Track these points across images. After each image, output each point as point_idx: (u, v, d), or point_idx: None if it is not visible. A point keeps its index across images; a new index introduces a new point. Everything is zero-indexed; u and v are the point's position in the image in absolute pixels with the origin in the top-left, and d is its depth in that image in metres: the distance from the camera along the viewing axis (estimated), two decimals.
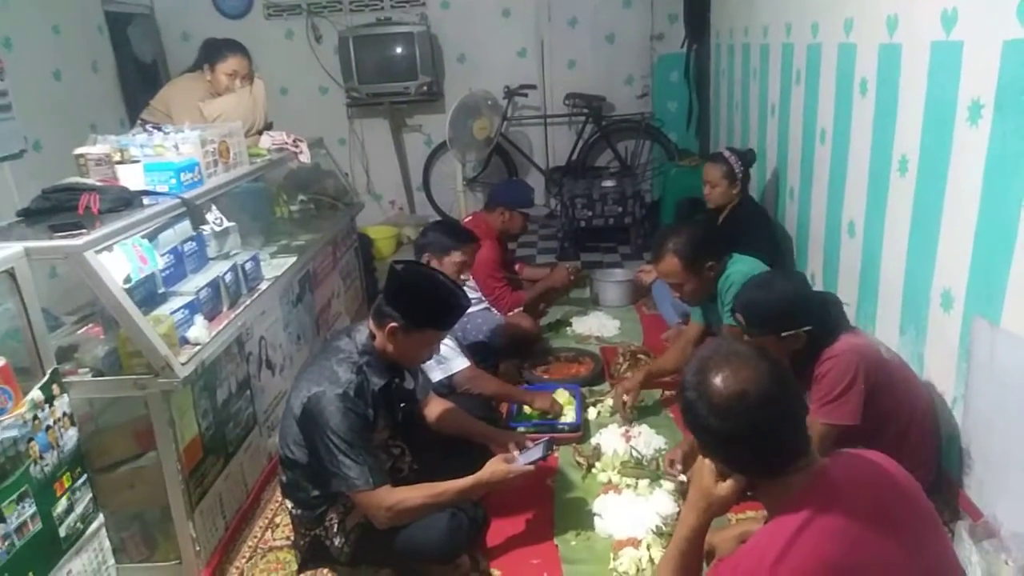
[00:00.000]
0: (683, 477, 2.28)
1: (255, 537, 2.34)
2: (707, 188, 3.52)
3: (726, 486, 1.37)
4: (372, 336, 2.07)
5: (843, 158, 2.91)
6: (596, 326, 3.72)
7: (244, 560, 2.23)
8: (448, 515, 2.01)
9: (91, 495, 1.88)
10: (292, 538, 2.23)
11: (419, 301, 2.01)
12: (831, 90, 2.99)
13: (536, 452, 2.13)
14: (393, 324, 1.99)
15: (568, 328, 3.74)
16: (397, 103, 5.83)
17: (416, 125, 6.11)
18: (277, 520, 2.41)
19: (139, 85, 5.39)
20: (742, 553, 1.25)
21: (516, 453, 2.20)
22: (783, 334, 2.01)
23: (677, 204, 4.61)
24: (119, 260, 1.86)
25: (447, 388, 2.62)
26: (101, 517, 1.92)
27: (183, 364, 1.89)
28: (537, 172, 5.95)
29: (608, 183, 5.06)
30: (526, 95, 5.66)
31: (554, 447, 2.24)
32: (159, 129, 2.65)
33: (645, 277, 3.66)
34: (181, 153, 2.47)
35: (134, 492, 2.00)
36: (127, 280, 1.85)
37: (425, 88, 5.64)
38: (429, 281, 2.06)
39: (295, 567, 2.18)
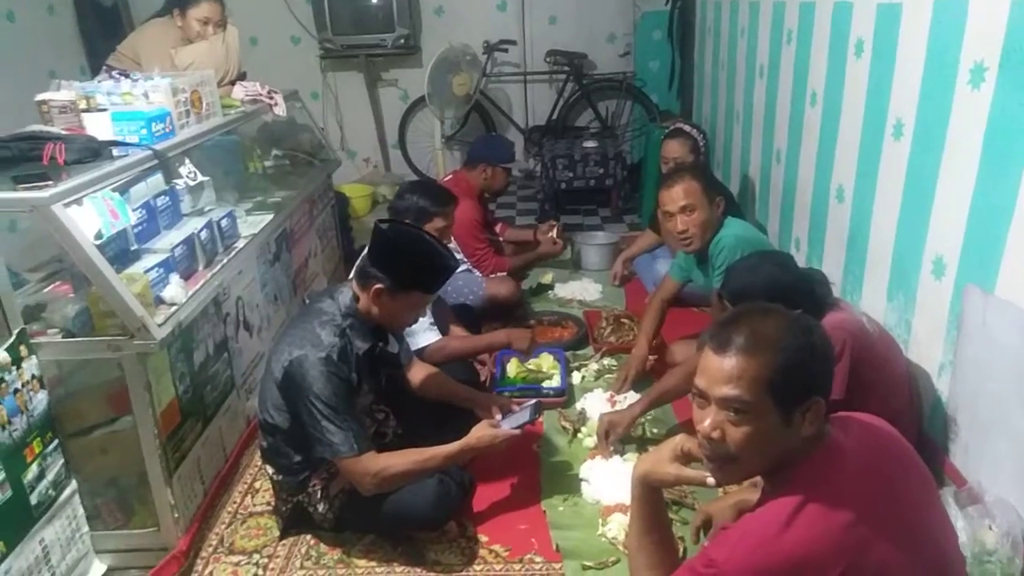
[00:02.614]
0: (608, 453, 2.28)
1: (234, 503, 2.28)
2: (671, 165, 3.37)
3: (675, 468, 1.40)
4: (355, 298, 2.00)
5: (834, 121, 2.86)
6: (578, 290, 3.68)
7: (224, 526, 2.18)
8: (436, 481, 1.98)
9: (63, 461, 1.81)
10: (273, 504, 2.18)
11: (405, 262, 1.94)
12: (824, 51, 2.93)
13: (523, 416, 2.10)
14: (378, 286, 1.92)
15: (550, 292, 3.69)
16: (373, 56, 5.64)
17: (392, 80, 5.93)
18: (257, 485, 2.35)
19: (99, 30, 5.13)
20: (751, 519, 1.23)
21: (500, 417, 2.17)
22: None
23: (659, 167, 4.54)
24: (89, 214, 1.75)
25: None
26: (74, 483, 1.85)
27: (160, 325, 1.80)
28: (516, 131, 5.83)
29: (590, 144, 4.97)
30: (506, 51, 5.52)
31: (541, 411, 2.20)
32: (126, 76, 2.51)
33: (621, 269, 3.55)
34: (151, 102, 2.33)
35: (108, 457, 1.93)
36: (98, 236, 1.75)
37: (402, 41, 5.46)
38: (416, 241, 1.99)
39: (276, 533, 2.13)
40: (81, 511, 1.87)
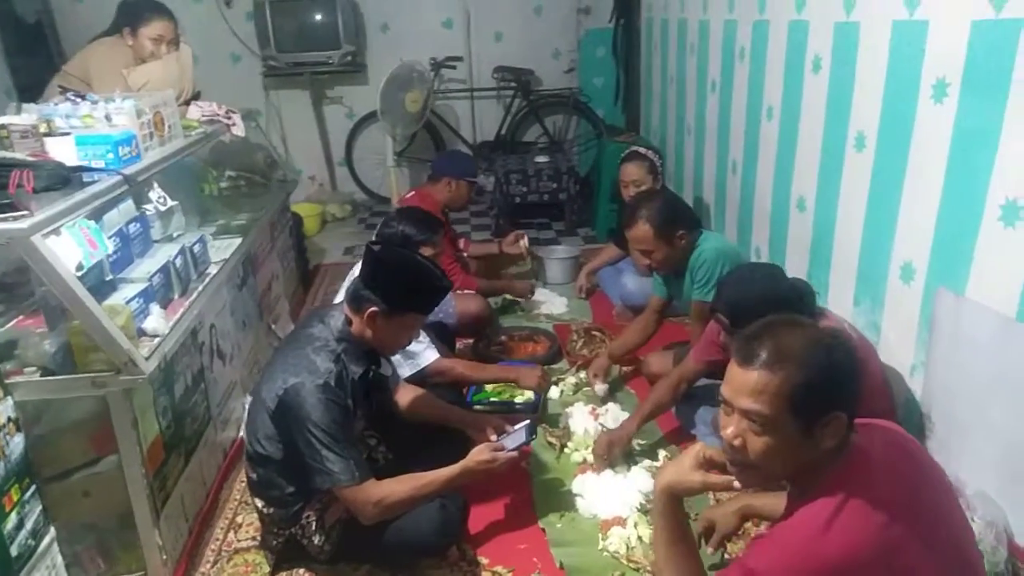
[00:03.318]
0: (604, 386, 2.56)
1: (217, 540, 2.18)
2: (630, 189, 3.45)
3: (700, 475, 1.42)
4: (348, 321, 1.96)
5: (792, 134, 2.97)
6: (544, 304, 3.69)
7: (209, 565, 2.08)
8: (438, 505, 1.94)
9: (41, 507, 1.69)
10: (260, 538, 2.09)
11: (400, 284, 1.91)
12: (780, 67, 3.04)
13: (520, 437, 2.08)
14: (373, 309, 1.89)
15: (517, 307, 3.69)
16: (318, 73, 5.55)
17: (337, 97, 5.84)
18: (239, 520, 2.26)
19: (22, 47, 4.89)
20: (786, 527, 1.24)
21: (495, 438, 2.14)
22: None
23: (613, 181, 4.61)
24: (68, 245, 1.65)
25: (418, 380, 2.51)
26: (52, 531, 1.73)
27: (147, 359, 1.71)
28: (465, 147, 5.82)
29: (542, 159, 5.01)
30: (454, 67, 5.52)
31: (536, 432, 2.19)
32: (82, 98, 2.39)
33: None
34: (114, 125, 2.23)
35: (89, 501, 1.81)
36: (79, 267, 1.65)
37: (348, 58, 5.39)
38: (410, 263, 1.96)
39: (267, 569, 2.05)
40: (60, 560, 1.75)
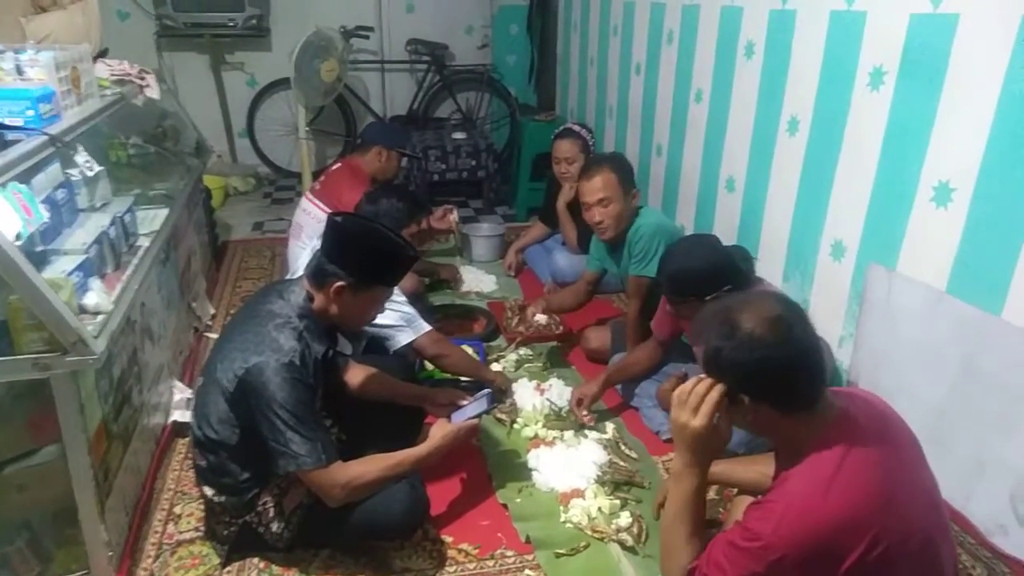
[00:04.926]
0: (588, 418, 2.46)
1: (156, 532, 2.03)
2: (563, 166, 3.46)
3: (723, 428, 1.41)
4: (309, 298, 1.86)
5: (723, 117, 3.08)
6: (473, 281, 3.66)
7: (151, 560, 1.93)
8: (407, 486, 1.89)
9: None
10: (207, 529, 1.97)
11: (367, 256, 1.83)
12: (710, 51, 3.14)
13: (480, 406, 2.05)
14: (340, 283, 1.80)
15: (445, 284, 3.64)
16: (219, 36, 5.20)
17: (238, 63, 5.50)
18: (176, 511, 2.11)
19: None
20: (786, 490, 1.29)
21: (456, 412, 2.11)
22: (707, 297, 2.09)
23: (533, 159, 4.63)
24: (4, 210, 1.46)
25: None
26: None
27: (95, 337, 1.56)
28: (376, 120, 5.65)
29: (460, 135, 4.95)
30: (367, 37, 5.33)
31: (497, 400, 2.16)
32: None
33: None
34: (27, 79, 2.00)
35: (23, 496, 1.63)
36: (17, 236, 1.47)
37: (253, 21, 5.09)
38: (376, 235, 1.87)
39: (216, 560, 1.93)
40: None
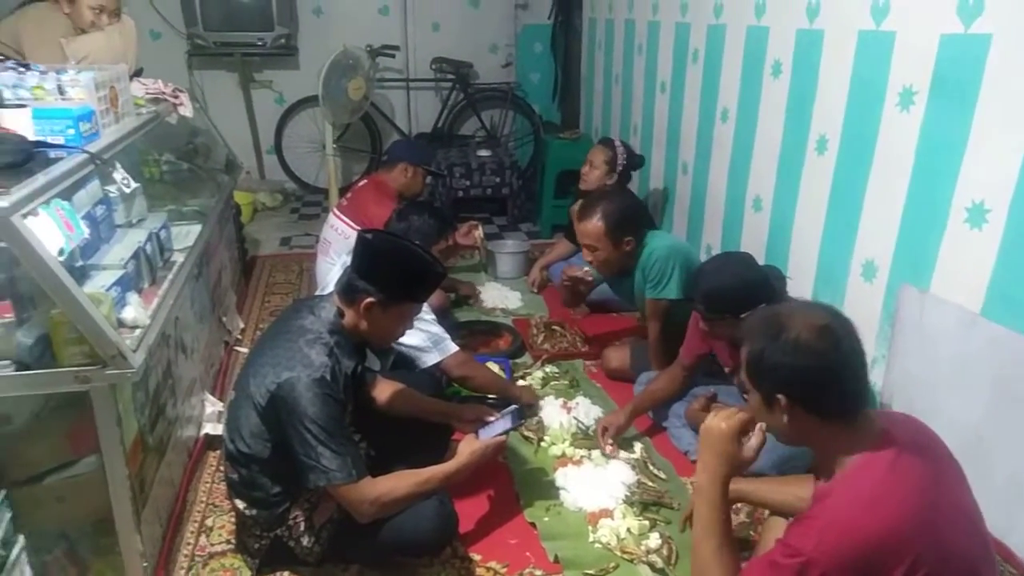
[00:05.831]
0: (611, 449, 2.40)
1: (189, 544, 2.05)
2: (586, 167, 3.48)
3: (752, 446, 1.41)
4: (339, 313, 1.88)
5: (749, 136, 3.08)
6: (499, 298, 3.68)
7: (184, 571, 1.95)
8: (436, 503, 1.90)
9: (10, 515, 1.55)
10: (238, 542, 1.99)
11: (397, 273, 1.85)
12: (736, 70, 3.15)
13: (506, 423, 2.05)
14: (370, 300, 1.82)
15: (470, 300, 3.65)
16: (249, 55, 5.31)
17: (266, 81, 5.60)
18: (209, 523, 2.13)
19: None
20: (828, 505, 1.27)
21: (483, 428, 2.11)
22: (742, 315, 2.06)
23: (557, 176, 4.65)
24: (48, 226, 1.50)
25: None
26: (21, 539, 1.58)
27: (134, 351, 1.59)
28: (401, 138, 5.72)
29: (485, 152, 4.99)
30: (392, 56, 5.40)
31: (524, 415, 2.16)
32: (27, 67, 2.18)
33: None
34: (68, 98, 2.05)
35: (63, 506, 1.66)
36: (60, 251, 1.51)
37: (282, 41, 5.19)
38: (406, 251, 1.90)
39: (247, 573, 1.95)
40: (29, 572, 1.60)
